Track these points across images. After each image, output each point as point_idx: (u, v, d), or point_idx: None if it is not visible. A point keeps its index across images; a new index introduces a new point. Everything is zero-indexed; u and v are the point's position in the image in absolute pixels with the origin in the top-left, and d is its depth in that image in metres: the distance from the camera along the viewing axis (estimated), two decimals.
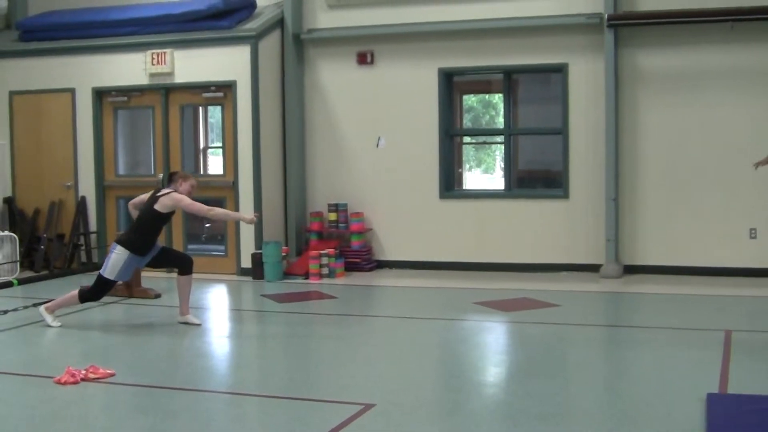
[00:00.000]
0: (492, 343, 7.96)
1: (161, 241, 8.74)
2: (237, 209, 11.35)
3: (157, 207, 8.24)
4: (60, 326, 8.32)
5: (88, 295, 8.36)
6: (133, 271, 8.62)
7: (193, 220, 12.13)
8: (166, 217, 8.39)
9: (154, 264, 8.60)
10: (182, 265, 8.51)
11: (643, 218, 11.03)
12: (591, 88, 11.04)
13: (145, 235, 8.30)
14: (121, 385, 6.36)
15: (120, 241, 8.28)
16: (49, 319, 8.36)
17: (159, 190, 8.42)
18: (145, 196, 8.49)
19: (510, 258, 11.46)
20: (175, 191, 8.31)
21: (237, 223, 11.42)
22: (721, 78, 10.68)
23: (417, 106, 11.68)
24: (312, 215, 11.97)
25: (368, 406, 5.71)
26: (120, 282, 8.70)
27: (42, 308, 8.46)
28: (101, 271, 8.24)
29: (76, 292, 8.39)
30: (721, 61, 10.67)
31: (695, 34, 10.69)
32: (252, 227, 11.29)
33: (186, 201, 8.26)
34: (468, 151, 13.65)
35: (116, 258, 8.16)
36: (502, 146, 11.96)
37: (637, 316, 9.20)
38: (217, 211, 8.62)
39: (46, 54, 12.19)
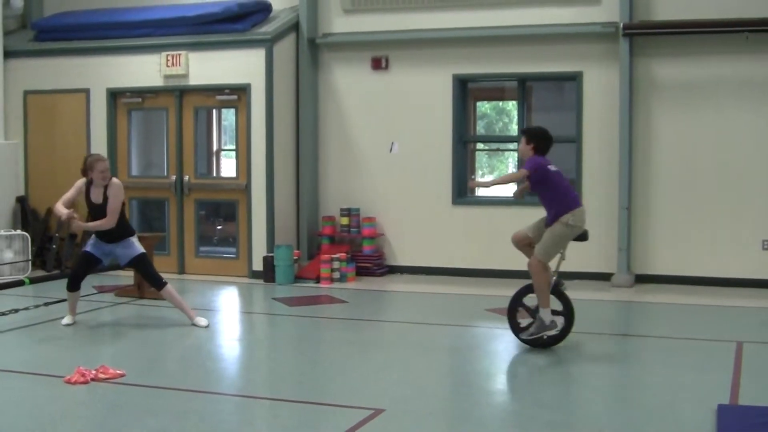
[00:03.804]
0: (502, 350, 7.94)
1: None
2: (250, 212, 11.39)
3: None
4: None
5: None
6: (99, 253, 8.42)
7: (204, 222, 12.17)
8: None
9: (134, 267, 8.70)
10: (151, 283, 8.60)
11: (656, 228, 11.00)
12: (605, 96, 11.02)
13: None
14: (131, 385, 6.38)
15: None
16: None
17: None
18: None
19: (522, 265, 11.27)
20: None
21: (249, 226, 11.44)
22: (736, 88, 10.65)
23: (431, 112, 11.67)
24: (324, 219, 11.97)
25: (378, 411, 5.71)
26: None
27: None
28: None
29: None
30: (736, 71, 10.64)
31: (710, 45, 10.67)
32: (264, 230, 11.32)
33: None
34: (481, 158, 13.65)
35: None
36: (515, 153, 11.94)
37: (648, 325, 9.17)
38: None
39: (61, 54, 12.23)
